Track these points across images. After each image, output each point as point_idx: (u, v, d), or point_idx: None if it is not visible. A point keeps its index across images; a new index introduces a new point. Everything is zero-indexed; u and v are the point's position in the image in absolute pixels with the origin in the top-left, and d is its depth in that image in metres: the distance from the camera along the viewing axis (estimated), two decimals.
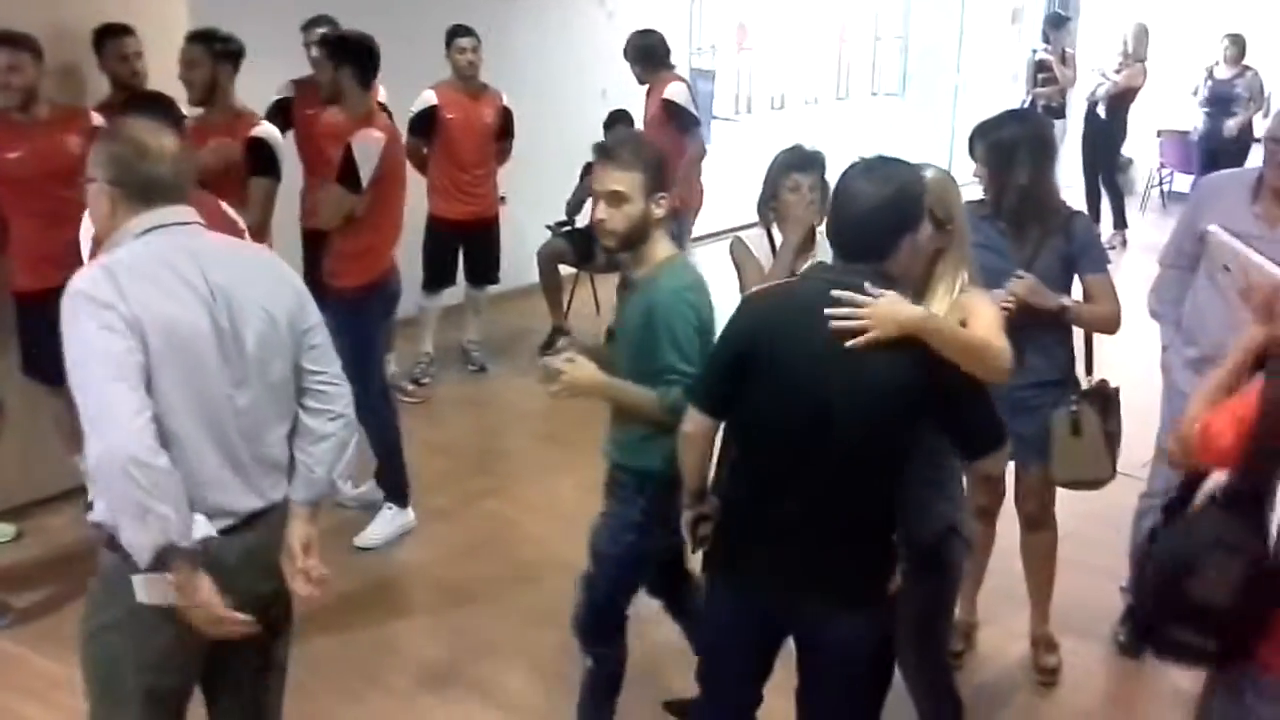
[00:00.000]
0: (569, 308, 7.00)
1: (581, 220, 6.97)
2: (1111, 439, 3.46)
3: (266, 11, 5.31)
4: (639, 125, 6.47)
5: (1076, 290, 3.49)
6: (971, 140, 3.45)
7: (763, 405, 2.40)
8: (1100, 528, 4.22)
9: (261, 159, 4.40)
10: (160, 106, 3.63)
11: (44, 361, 3.81)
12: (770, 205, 3.33)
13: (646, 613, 3.37)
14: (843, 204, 2.36)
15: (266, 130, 4.46)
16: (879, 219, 2.32)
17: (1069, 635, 3.89)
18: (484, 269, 6.30)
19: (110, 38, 4.69)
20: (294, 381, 2.53)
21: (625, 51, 6.39)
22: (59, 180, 4.07)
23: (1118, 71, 8.96)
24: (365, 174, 4.25)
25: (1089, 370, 3.58)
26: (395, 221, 4.50)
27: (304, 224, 5.30)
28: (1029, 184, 3.30)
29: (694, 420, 2.56)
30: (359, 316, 4.40)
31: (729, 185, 6.84)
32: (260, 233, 4.40)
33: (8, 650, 3.82)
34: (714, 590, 2.65)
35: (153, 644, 2.38)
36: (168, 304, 2.29)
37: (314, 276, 4.81)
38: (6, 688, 3.63)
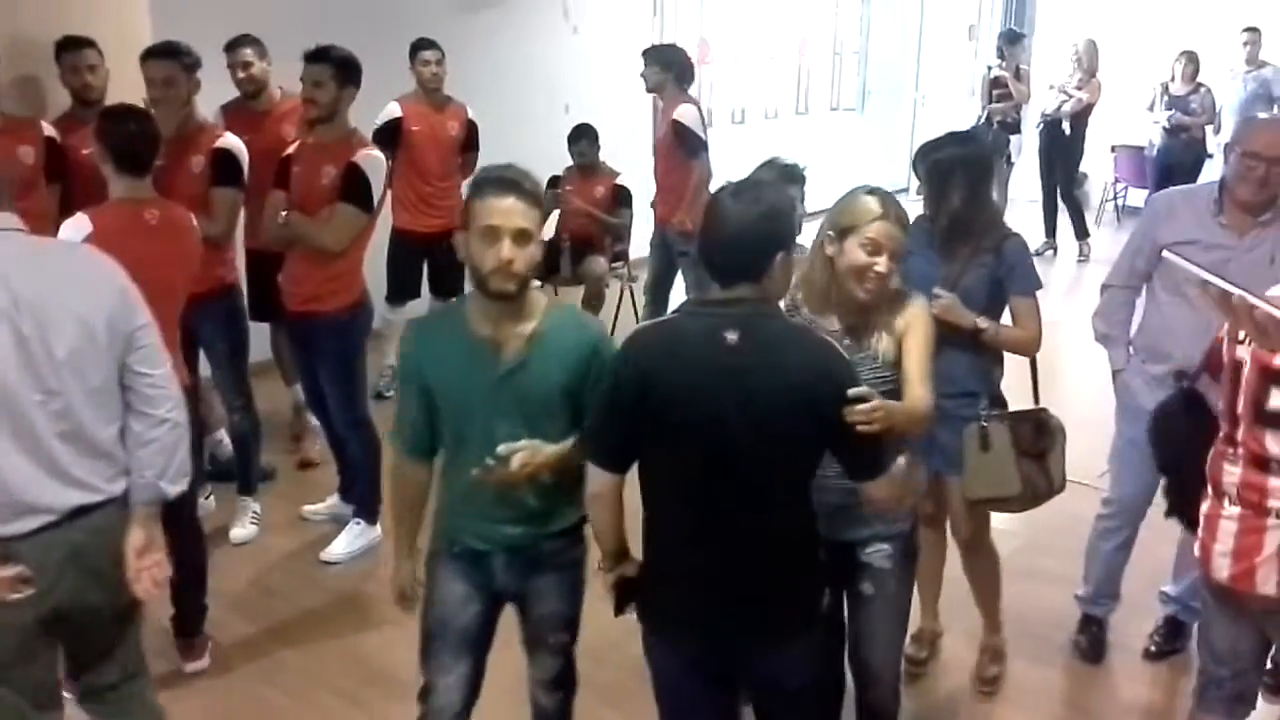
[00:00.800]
0: None
1: (544, 234, 6.99)
2: (1039, 459, 3.44)
3: (226, 26, 5.25)
4: (653, 143, 6.45)
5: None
6: (915, 160, 3.52)
7: (663, 448, 2.37)
8: (1057, 536, 4.29)
9: (225, 170, 4.36)
10: (138, 119, 3.62)
11: None
12: None
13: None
14: (714, 225, 2.35)
15: (230, 141, 4.42)
16: (751, 238, 2.31)
17: (1027, 641, 3.95)
18: (448, 281, 6.27)
19: (68, 50, 4.65)
20: (120, 382, 2.59)
21: (647, 55, 6.31)
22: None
23: (1078, 88, 9.12)
24: (377, 192, 4.22)
25: (1035, 399, 3.59)
26: (368, 240, 4.48)
27: (248, 244, 5.11)
28: (961, 205, 3.35)
29: (600, 479, 2.46)
30: (346, 337, 4.40)
31: None
32: (224, 243, 4.39)
33: None
34: (654, 652, 2.56)
35: None
36: None
37: (266, 298, 4.81)
38: None
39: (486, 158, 6.29)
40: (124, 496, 2.62)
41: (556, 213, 6.95)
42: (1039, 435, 3.45)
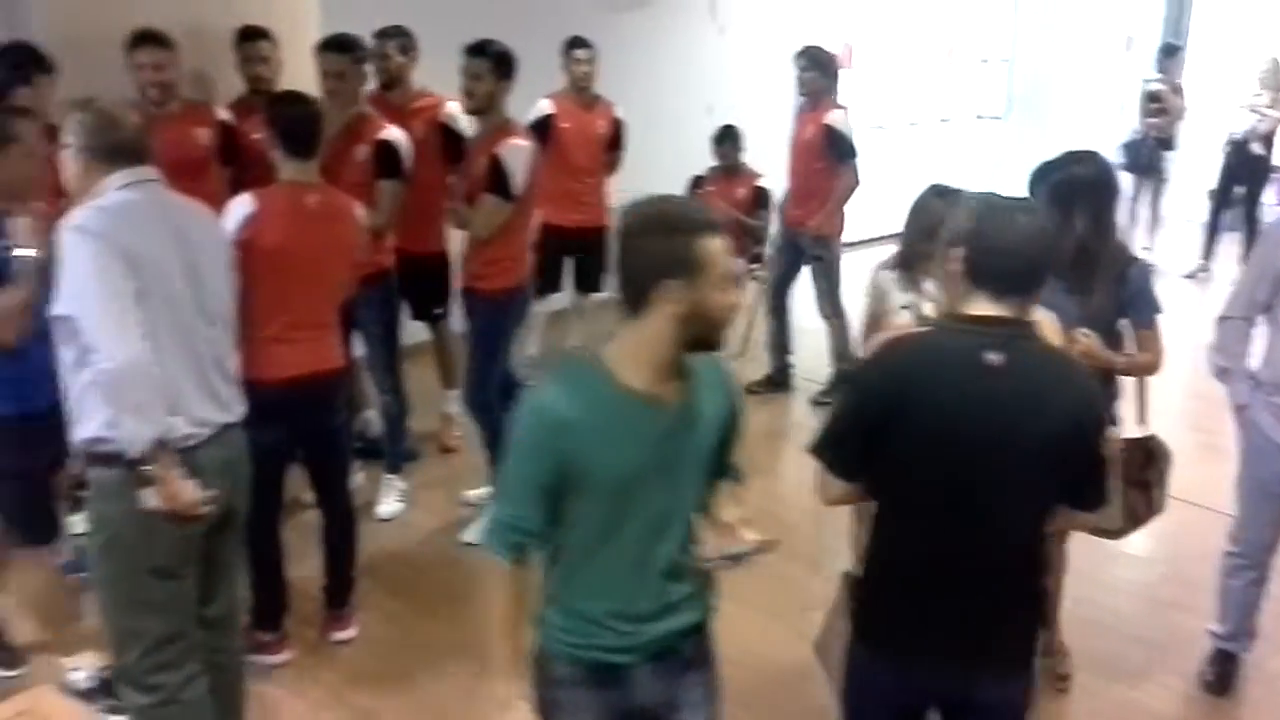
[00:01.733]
0: None
1: None
2: (1145, 489, 3.36)
3: (389, 19, 5.37)
4: (788, 147, 6.41)
5: None
6: (1031, 183, 3.33)
7: (906, 463, 2.25)
8: (1200, 565, 4.17)
9: (389, 162, 4.52)
10: (302, 102, 3.77)
11: None
12: (922, 254, 3.24)
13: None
14: (1002, 231, 2.19)
15: (393, 134, 4.57)
16: (1043, 250, 2.21)
17: (1164, 673, 3.89)
18: (591, 276, 6.36)
19: (245, 40, 4.87)
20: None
21: (805, 58, 6.27)
22: (187, 172, 4.20)
23: (1270, 106, 8.76)
24: (518, 181, 4.36)
25: (1142, 421, 3.47)
26: (530, 226, 4.63)
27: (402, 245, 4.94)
28: (1086, 233, 3.21)
29: (839, 488, 2.35)
30: (495, 319, 4.57)
31: None
32: (385, 234, 4.56)
33: None
34: (863, 666, 2.43)
35: (157, 542, 2.79)
36: (148, 242, 2.73)
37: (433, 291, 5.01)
38: None
39: (630, 157, 6.39)
40: (242, 422, 3.02)
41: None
42: (1148, 464, 3.36)
